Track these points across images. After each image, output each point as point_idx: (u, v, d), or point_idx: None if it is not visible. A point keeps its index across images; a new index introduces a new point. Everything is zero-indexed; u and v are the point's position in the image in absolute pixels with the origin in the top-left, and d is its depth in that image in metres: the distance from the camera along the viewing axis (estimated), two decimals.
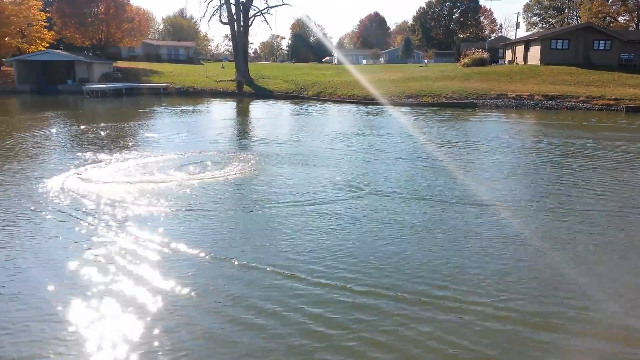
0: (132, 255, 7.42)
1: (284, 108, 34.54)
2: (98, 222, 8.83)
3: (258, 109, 34.60)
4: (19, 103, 35.70)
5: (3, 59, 47.47)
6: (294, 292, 6.30)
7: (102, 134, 20.04)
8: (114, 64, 52.36)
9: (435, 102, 35.17)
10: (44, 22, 50.12)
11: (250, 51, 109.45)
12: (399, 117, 28.51)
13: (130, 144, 17.71)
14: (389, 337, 5.34)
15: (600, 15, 75.53)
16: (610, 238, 8.39)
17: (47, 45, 50.22)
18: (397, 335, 5.39)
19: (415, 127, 23.99)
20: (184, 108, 32.93)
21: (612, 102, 32.54)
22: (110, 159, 14.39)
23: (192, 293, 6.29)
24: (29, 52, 46.99)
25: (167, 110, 31.62)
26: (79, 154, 15.31)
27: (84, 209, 9.53)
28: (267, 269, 6.98)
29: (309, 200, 10.45)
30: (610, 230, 8.76)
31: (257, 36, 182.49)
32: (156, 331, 5.40)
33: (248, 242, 8.10)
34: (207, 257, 7.43)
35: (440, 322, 5.65)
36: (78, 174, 12.33)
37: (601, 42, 46.98)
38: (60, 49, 53.13)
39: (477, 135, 21.22)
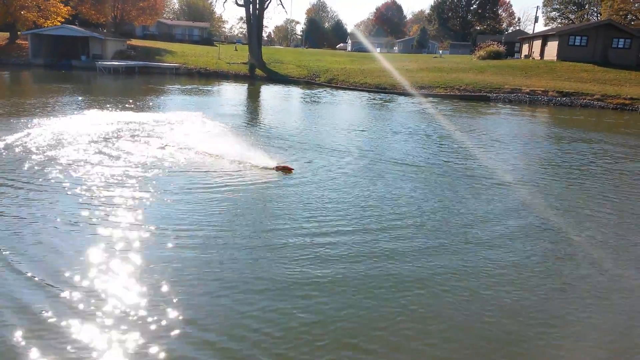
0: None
1: (295, 94, 34.44)
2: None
3: (268, 93, 34.54)
4: (31, 76, 35.89)
5: (19, 32, 47.63)
6: None
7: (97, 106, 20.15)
8: (128, 42, 52.35)
9: (448, 93, 34.86)
10: None
11: (264, 35, 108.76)
12: (409, 109, 28.32)
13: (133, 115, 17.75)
14: None
15: (621, 13, 73.94)
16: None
17: (63, 20, 50.23)
18: None
19: (423, 121, 23.87)
20: (193, 88, 32.95)
21: (627, 101, 32.06)
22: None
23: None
24: (45, 26, 47.06)
25: (178, 89, 31.64)
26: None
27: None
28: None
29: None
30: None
31: (272, 20, 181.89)
32: None
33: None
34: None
35: None
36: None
37: (620, 40, 46.09)
38: (76, 25, 53.06)
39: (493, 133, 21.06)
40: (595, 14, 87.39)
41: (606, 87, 35.15)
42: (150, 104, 23.84)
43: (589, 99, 32.85)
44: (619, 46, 46.05)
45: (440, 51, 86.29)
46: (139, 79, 37.62)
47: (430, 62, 51.88)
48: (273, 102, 29.46)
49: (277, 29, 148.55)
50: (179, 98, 27.34)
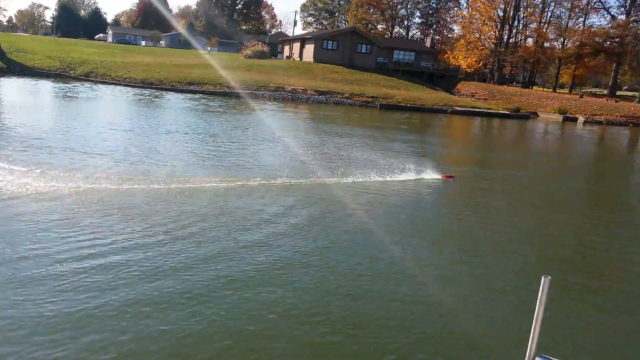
0: None
1: (46, 88, 30.33)
2: None
3: (9, 87, 29.62)
4: None
5: None
6: None
7: None
8: None
9: (218, 90, 35.25)
10: None
11: (4, 19, 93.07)
12: (179, 105, 27.73)
13: None
14: None
15: (364, 22, 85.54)
16: None
17: None
18: None
19: (194, 118, 23.71)
20: None
21: (369, 99, 37.31)
22: None
23: None
24: None
25: None
26: None
27: None
28: None
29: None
30: None
31: (13, 2, 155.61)
32: None
33: None
34: None
35: None
36: None
37: (363, 45, 53.30)
38: None
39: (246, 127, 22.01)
40: (344, 22, 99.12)
41: (353, 87, 40.26)
42: None
43: (340, 97, 37.16)
44: (362, 51, 53.20)
45: (209, 48, 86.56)
46: None
47: (199, 58, 51.56)
48: (14, 98, 25.33)
49: (21, 13, 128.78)
50: None
